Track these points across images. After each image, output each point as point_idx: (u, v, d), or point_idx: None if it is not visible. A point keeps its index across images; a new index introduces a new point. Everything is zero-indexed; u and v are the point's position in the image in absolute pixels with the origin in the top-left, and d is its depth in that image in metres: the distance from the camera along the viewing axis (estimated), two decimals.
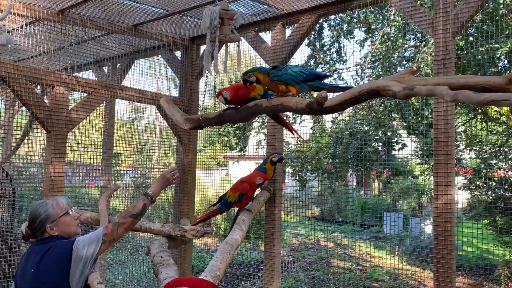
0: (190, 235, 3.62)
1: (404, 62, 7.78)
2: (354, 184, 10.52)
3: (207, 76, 4.12)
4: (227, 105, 3.36)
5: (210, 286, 1.85)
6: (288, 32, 4.68)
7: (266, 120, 4.75)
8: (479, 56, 6.51)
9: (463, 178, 9.12)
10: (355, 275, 8.06)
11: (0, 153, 6.40)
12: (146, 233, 8.29)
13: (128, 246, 8.20)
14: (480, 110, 7.93)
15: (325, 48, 8.21)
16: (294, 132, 3.87)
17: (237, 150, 9.69)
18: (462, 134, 9.68)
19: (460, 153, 9.32)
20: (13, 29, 4.27)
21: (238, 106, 3.29)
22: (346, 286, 7.43)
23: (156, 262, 3.06)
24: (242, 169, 7.11)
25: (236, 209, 3.96)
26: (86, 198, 8.08)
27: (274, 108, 3.04)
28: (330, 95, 2.66)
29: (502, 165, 8.01)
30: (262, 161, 4.27)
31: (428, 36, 6.55)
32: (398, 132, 7.45)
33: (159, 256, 3.13)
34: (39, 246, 2.45)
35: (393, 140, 7.17)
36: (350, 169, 7.98)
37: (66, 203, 2.57)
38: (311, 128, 8.20)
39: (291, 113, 8.03)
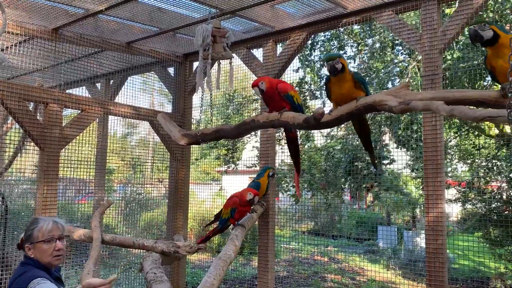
0: (183, 251, 3.62)
1: (394, 78, 7.91)
2: (348, 198, 10.54)
3: (202, 93, 4.16)
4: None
5: None
6: (279, 49, 4.75)
7: (258, 133, 4.79)
8: (462, 72, 6.63)
9: (456, 192, 9.19)
10: None
11: None
12: (139, 250, 8.24)
13: (121, 263, 8.12)
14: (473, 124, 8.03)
15: (317, 64, 8.32)
16: (296, 180, 3.79)
17: (229, 163, 9.72)
18: (455, 148, 9.79)
19: (454, 166, 9.42)
20: (7, 47, 4.30)
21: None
22: None
23: (150, 279, 3.06)
24: (236, 184, 7.12)
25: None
26: (78, 214, 8.03)
27: (272, 124, 3.07)
28: (326, 110, 2.71)
29: (496, 177, 8.08)
30: (256, 175, 4.30)
31: (416, 53, 6.69)
32: (387, 147, 7.54)
33: (152, 273, 3.13)
34: (20, 267, 2.42)
35: (383, 154, 7.24)
36: (343, 184, 8.02)
37: (53, 229, 2.43)
38: (301, 143, 8.26)
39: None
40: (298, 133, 3.56)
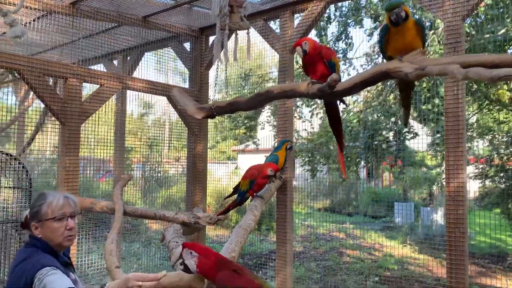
0: (203, 222, 3.67)
1: None
2: (365, 175, 10.51)
3: (218, 65, 4.13)
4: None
5: (217, 260, 1.92)
6: (296, 20, 4.69)
7: (277, 105, 4.76)
8: (483, 40, 6.45)
9: (475, 168, 9.09)
10: (366, 264, 8.08)
11: (15, 147, 6.51)
12: (158, 227, 8.39)
13: (141, 238, 8.31)
14: (492, 97, 7.87)
15: (333, 38, 8.20)
16: (341, 159, 3.40)
17: (247, 141, 9.75)
18: (475, 124, 9.63)
19: (474, 143, 9.28)
20: (26, 23, 4.33)
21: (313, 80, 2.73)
22: (357, 275, 7.45)
23: (172, 248, 3.12)
24: (252, 162, 7.12)
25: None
26: (99, 192, 8.20)
27: (285, 94, 3.05)
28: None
29: None
30: (274, 149, 4.31)
31: (438, 22, 6.51)
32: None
33: (174, 242, 3.19)
34: (24, 249, 2.16)
35: (404, 130, 7.14)
36: (361, 160, 7.98)
37: (64, 206, 2.18)
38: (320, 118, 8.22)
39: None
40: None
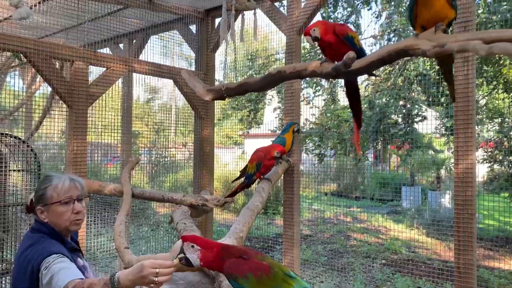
0: (211, 204, 3.69)
1: None
2: (371, 158, 10.47)
3: (226, 46, 4.08)
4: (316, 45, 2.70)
5: (220, 250, 1.84)
6: (304, 1, 4.61)
7: (283, 88, 4.72)
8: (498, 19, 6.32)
9: (484, 152, 9.02)
10: (373, 247, 8.11)
11: (23, 131, 6.55)
12: (166, 210, 8.45)
13: (149, 222, 8.39)
14: (502, 79, 7.76)
15: (341, 20, 8.10)
16: (356, 135, 3.19)
17: (251, 125, 9.72)
18: (484, 107, 9.52)
19: (484, 126, 9.19)
20: (31, 6, 4.31)
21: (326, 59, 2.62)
22: (364, 258, 7.48)
23: (180, 229, 3.14)
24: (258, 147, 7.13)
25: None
26: (106, 177, 8.26)
27: (298, 74, 2.99)
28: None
29: None
30: (281, 131, 4.29)
31: None
32: (418, 103, 7.34)
33: (183, 223, 3.21)
34: (29, 234, 2.10)
35: (413, 112, 7.07)
36: (370, 143, 7.93)
37: (71, 189, 2.12)
38: (324, 99, 8.16)
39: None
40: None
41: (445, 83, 6.47)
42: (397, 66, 7.42)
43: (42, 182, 2.13)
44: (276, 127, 9.63)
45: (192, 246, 1.82)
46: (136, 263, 1.80)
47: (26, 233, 2.15)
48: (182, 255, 1.82)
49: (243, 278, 1.70)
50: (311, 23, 2.63)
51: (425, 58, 5.20)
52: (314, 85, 8.63)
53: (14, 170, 4.34)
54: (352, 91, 2.97)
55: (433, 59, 2.69)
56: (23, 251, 2.00)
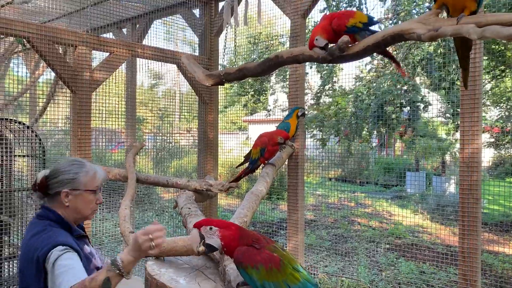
0: (215, 189, 3.70)
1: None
2: (375, 144, 10.45)
3: (227, 30, 4.05)
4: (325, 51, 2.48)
5: (238, 229, 1.84)
6: None
7: (288, 73, 4.68)
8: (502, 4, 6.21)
9: (490, 136, 8.97)
10: (377, 232, 8.13)
11: (27, 118, 6.56)
12: (170, 196, 8.49)
13: (154, 207, 8.44)
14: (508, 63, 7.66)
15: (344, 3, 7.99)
16: (398, 66, 2.91)
17: (255, 110, 9.69)
18: (489, 92, 9.43)
19: (488, 112, 9.12)
20: None
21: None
22: (368, 242, 7.52)
23: (185, 213, 3.15)
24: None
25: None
26: (111, 163, 8.29)
27: (295, 59, 2.98)
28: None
29: None
30: (285, 116, 4.27)
31: None
32: (420, 90, 7.28)
33: (187, 208, 3.21)
34: (37, 221, 2.06)
35: (418, 99, 7.01)
36: (373, 130, 7.90)
37: (101, 181, 2.15)
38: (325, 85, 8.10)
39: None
40: None
41: (449, 69, 6.41)
42: (401, 51, 7.33)
43: (73, 165, 2.08)
44: (281, 111, 9.59)
45: (210, 229, 1.78)
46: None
47: (32, 220, 2.13)
48: (202, 241, 1.78)
49: (254, 268, 1.69)
50: (311, 34, 2.46)
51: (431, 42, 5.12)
52: (317, 71, 8.57)
53: (19, 156, 4.36)
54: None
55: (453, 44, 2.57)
56: (29, 238, 1.98)
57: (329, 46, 2.47)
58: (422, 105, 7.39)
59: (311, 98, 8.52)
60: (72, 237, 2.03)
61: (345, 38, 2.38)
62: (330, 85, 8.18)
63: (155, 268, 2.19)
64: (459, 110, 3.56)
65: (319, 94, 8.19)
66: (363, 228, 8.47)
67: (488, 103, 9.32)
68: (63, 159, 2.25)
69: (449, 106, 7.18)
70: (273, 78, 9.48)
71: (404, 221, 8.71)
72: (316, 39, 2.43)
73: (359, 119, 7.50)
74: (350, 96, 7.73)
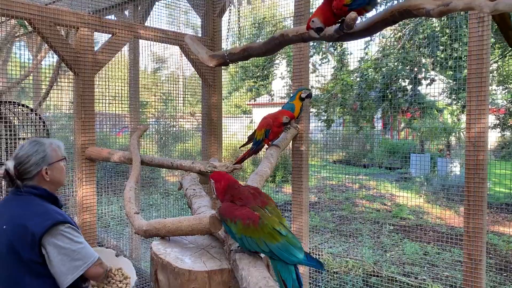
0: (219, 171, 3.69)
1: None
2: (380, 126, 10.39)
3: (230, 10, 3.98)
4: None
5: (227, 185, 2.03)
6: None
7: (291, 53, 4.63)
8: None
9: (496, 118, 8.89)
10: (381, 214, 8.15)
11: (31, 102, 6.56)
12: (175, 179, 8.52)
13: (159, 190, 8.49)
14: None
15: None
16: None
17: (259, 94, 9.65)
18: (495, 72, 9.31)
19: (493, 93, 9.01)
20: None
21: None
22: (372, 224, 7.54)
23: (189, 194, 3.15)
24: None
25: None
26: (116, 147, 8.31)
27: (301, 37, 2.93)
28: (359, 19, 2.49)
29: None
30: (289, 98, 4.24)
31: None
32: (425, 67, 7.17)
33: (192, 189, 3.22)
34: (15, 196, 2.18)
35: (421, 76, 6.92)
36: (377, 109, 7.83)
37: (63, 148, 2.36)
38: (332, 67, 8.02)
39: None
40: None
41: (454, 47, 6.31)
42: (407, 30, 7.22)
43: (33, 146, 2.22)
44: (285, 94, 9.53)
45: (210, 180, 2.10)
46: (146, 227, 2.04)
47: (8, 196, 2.23)
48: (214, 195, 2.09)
49: (232, 222, 1.86)
50: (308, 19, 2.40)
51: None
52: (321, 52, 8.47)
53: (23, 139, 4.36)
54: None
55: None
56: (14, 215, 2.08)
57: (323, 31, 2.40)
58: (426, 82, 7.28)
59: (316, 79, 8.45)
60: (62, 211, 2.23)
61: (352, 14, 2.31)
62: (335, 64, 8.10)
63: (161, 248, 2.21)
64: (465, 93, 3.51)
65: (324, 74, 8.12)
66: (367, 210, 8.49)
67: (494, 85, 9.21)
68: (18, 146, 2.40)
69: (454, 83, 7.09)
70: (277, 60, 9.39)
71: (408, 203, 8.72)
72: (312, 21, 2.41)
73: (364, 99, 7.43)
74: (357, 74, 7.64)
